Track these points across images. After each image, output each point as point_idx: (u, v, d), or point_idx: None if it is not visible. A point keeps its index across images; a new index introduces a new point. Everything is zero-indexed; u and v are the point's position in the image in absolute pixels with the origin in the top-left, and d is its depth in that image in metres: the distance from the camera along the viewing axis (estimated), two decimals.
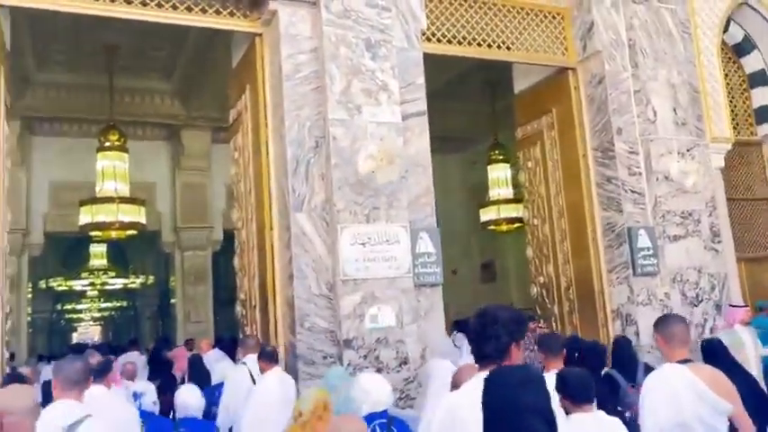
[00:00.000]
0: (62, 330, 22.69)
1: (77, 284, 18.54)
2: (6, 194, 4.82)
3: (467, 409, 1.95)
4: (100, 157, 8.78)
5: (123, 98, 9.70)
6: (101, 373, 3.73)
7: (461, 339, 7.81)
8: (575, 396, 2.76)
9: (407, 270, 4.85)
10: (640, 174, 6.19)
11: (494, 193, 10.81)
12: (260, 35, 5.34)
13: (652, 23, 6.51)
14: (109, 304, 22.25)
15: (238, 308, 5.88)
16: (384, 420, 3.03)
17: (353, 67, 4.97)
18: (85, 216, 8.70)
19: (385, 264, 4.77)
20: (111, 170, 8.73)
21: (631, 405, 3.68)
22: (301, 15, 5.05)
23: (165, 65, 9.54)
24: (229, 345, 7.75)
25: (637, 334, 5.80)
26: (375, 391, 2.89)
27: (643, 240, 5.96)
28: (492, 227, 11.01)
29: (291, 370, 4.65)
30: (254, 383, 4.70)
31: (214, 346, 7.85)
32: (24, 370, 6.60)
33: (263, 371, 4.51)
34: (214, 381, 6.25)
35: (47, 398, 4.08)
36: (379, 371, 4.56)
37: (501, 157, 10.71)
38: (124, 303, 21.87)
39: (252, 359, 4.86)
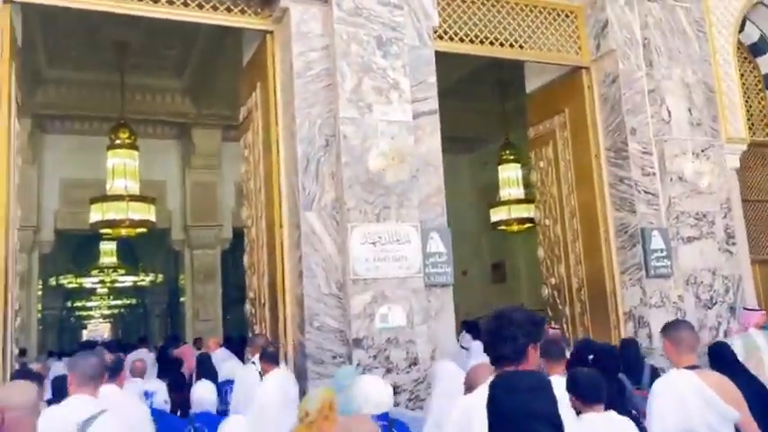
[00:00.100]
0: (72, 327, 22.85)
1: (87, 282, 18.64)
2: (17, 192, 4.82)
3: (482, 411, 1.92)
4: (110, 155, 8.80)
5: (134, 96, 9.73)
6: (113, 372, 3.74)
7: (469, 341, 7.77)
8: (585, 396, 2.77)
9: (418, 270, 4.81)
10: (654, 174, 6.12)
11: (504, 194, 10.75)
12: (271, 33, 5.31)
13: (666, 22, 6.43)
14: (118, 302, 22.36)
15: (247, 306, 5.86)
16: (385, 423, 3.00)
17: (365, 64, 4.93)
18: (96, 214, 8.72)
19: (395, 263, 4.73)
20: (122, 168, 8.75)
21: (636, 407, 3.65)
22: (313, 13, 5.02)
23: (176, 63, 9.55)
24: (238, 343, 7.75)
25: (649, 336, 5.73)
26: (376, 394, 2.87)
27: (656, 242, 5.89)
28: (502, 227, 10.96)
29: (300, 369, 4.63)
30: None
31: (222, 345, 7.84)
32: (35, 366, 6.63)
33: (265, 372, 4.50)
34: (220, 379, 6.25)
35: (57, 394, 4.08)
36: (388, 371, 4.53)
37: (512, 157, 10.65)
38: (134, 301, 21.97)
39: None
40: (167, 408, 5.44)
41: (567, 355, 4.16)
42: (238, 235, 8.76)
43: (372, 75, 4.94)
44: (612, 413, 2.81)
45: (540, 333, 2.05)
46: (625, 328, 5.99)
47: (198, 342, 9.06)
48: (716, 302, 6.06)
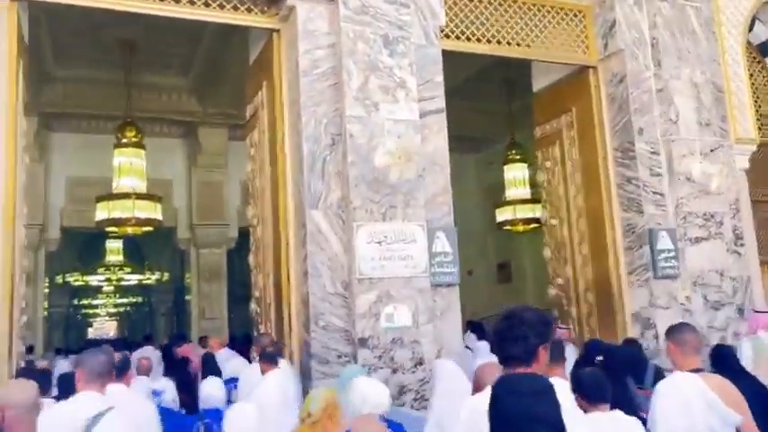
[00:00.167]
0: (78, 325, 22.92)
1: (93, 280, 18.70)
2: (24, 190, 4.83)
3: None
4: (117, 154, 8.81)
5: (140, 95, 9.73)
6: (121, 371, 3.75)
7: (474, 341, 7.74)
8: (590, 396, 2.78)
9: (424, 269, 4.79)
10: (662, 175, 6.08)
11: (510, 194, 10.71)
12: (277, 31, 5.30)
13: (676, 21, 6.39)
14: (124, 300, 22.43)
15: (253, 305, 5.85)
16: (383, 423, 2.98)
17: (371, 63, 4.92)
18: (102, 212, 8.74)
19: (401, 263, 4.71)
20: (128, 166, 8.76)
21: (639, 407, 3.65)
22: (319, 11, 5.01)
23: (182, 61, 9.55)
24: (243, 342, 7.73)
25: (656, 338, 5.68)
26: (375, 395, 2.85)
27: (664, 242, 5.85)
28: (508, 227, 10.92)
29: (305, 368, 4.62)
30: None
31: (228, 346, 7.82)
32: (42, 363, 6.66)
33: (263, 372, 4.48)
34: (224, 378, 6.24)
35: (62, 391, 4.09)
36: (394, 371, 4.52)
37: (518, 157, 10.61)
38: (139, 299, 22.04)
39: None
40: (176, 406, 5.45)
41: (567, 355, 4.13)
42: (244, 234, 8.73)
43: (379, 73, 4.92)
44: (618, 412, 2.81)
45: (551, 333, 2.03)
46: (632, 329, 5.95)
47: (203, 341, 9.05)
48: (724, 304, 6.02)
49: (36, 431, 2.26)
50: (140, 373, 5.58)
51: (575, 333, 6.50)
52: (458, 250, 5.06)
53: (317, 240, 4.69)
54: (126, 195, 8.64)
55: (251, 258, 5.91)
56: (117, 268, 18.20)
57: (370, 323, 4.56)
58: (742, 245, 6.37)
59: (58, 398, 3.67)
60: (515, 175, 10.69)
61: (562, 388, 2.77)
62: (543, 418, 1.77)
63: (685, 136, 6.20)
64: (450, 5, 5.77)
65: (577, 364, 4.00)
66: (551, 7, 6.36)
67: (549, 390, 1.82)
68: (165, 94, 10.43)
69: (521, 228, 10.75)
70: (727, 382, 2.86)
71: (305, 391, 4.24)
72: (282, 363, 4.63)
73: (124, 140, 8.76)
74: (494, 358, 2.16)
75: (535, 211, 9.79)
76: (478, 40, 5.98)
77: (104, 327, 23.95)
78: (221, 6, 5.13)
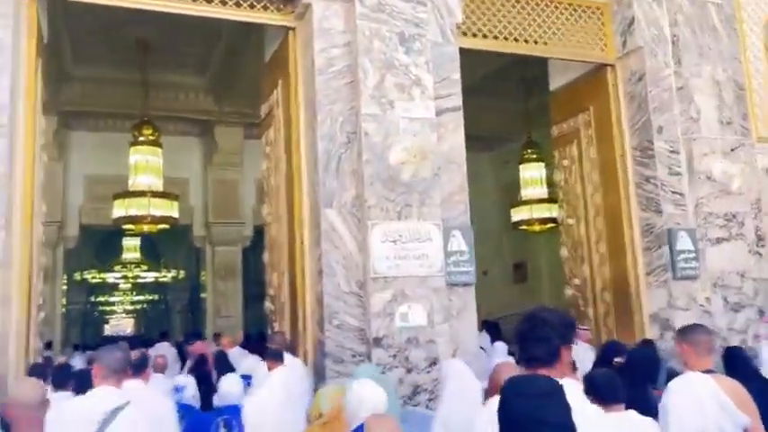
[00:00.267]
0: (95, 322, 23.14)
1: (111, 277, 18.90)
2: (42, 188, 4.87)
3: None
4: (133, 152, 8.88)
5: (157, 93, 9.79)
6: (138, 368, 3.77)
7: (487, 341, 7.68)
8: (604, 397, 2.73)
9: (439, 269, 4.76)
10: (681, 174, 5.99)
11: (526, 193, 10.63)
12: (293, 29, 5.30)
13: (696, 18, 6.29)
14: (141, 297, 22.61)
15: (267, 303, 5.86)
16: None
17: (387, 61, 4.89)
18: (119, 209, 8.81)
19: (416, 262, 4.68)
20: (145, 164, 8.82)
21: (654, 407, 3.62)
22: (335, 9, 5.00)
23: (199, 60, 9.60)
24: (257, 340, 7.74)
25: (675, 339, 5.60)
26: (370, 398, 2.83)
27: (684, 242, 5.77)
28: (524, 227, 10.84)
29: (319, 367, 4.61)
30: None
31: (242, 344, 7.84)
32: (61, 359, 6.74)
33: (270, 369, 4.49)
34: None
35: (78, 387, 4.11)
36: (408, 371, 4.50)
37: (534, 156, 10.53)
38: (155, 297, 22.20)
39: None
40: (196, 403, 5.48)
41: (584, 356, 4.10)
42: (259, 232, 8.78)
43: (395, 71, 4.90)
44: (633, 413, 2.79)
45: (572, 334, 2.01)
46: (650, 330, 5.87)
47: (217, 338, 9.09)
48: (744, 306, 5.91)
49: (43, 429, 2.28)
50: (156, 371, 5.62)
51: (592, 333, 6.43)
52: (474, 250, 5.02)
53: (332, 239, 4.67)
54: (142, 193, 8.70)
55: (266, 256, 5.92)
56: (134, 266, 18.37)
57: (384, 322, 4.53)
58: (763, 246, 6.26)
59: (75, 392, 3.69)
60: (532, 175, 10.60)
61: (573, 389, 2.74)
62: (551, 421, 1.74)
63: (706, 134, 6.10)
64: (467, 3, 5.73)
65: (595, 366, 3.95)
66: (569, 4, 6.29)
67: (558, 391, 1.79)
68: (182, 93, 10.50)
69: (537, 227, 10.67)
70: (738, 384, 2.84)
71: (316, 390, 4.23)
72: (289, 360, 4.62)
73: (141, 139, 8.83)
74: (509, 359, 2.13)
75: (551, 211, 9.70)
76: (495, 37, 5.94)
77: (121, 324, 24.15)
78: (237, 4, 5.14)
